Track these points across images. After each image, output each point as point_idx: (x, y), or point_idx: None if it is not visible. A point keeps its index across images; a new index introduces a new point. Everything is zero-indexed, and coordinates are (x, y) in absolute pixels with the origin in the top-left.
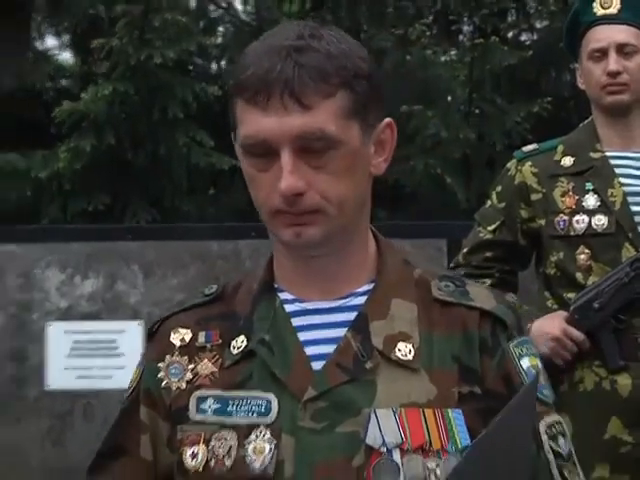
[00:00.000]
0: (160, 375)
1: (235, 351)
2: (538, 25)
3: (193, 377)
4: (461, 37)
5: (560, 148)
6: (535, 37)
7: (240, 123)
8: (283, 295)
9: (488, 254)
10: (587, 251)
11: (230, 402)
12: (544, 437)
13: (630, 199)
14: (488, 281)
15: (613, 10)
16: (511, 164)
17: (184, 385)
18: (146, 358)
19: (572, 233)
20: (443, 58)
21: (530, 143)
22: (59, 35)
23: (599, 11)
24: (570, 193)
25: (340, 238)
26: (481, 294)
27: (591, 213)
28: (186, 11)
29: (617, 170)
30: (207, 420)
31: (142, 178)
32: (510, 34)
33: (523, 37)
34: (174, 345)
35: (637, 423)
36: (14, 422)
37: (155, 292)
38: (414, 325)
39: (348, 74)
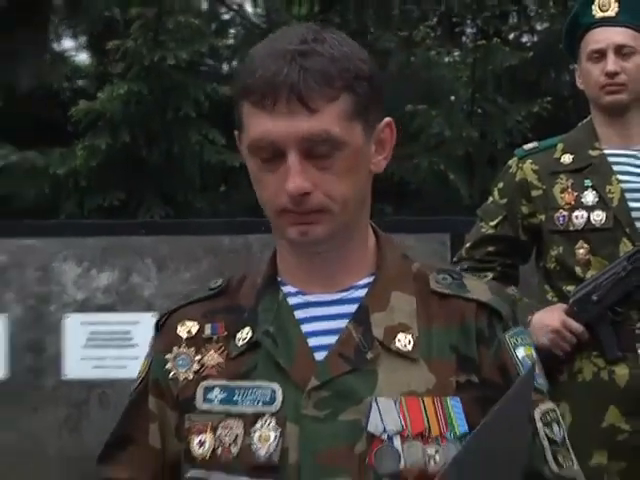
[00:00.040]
0: (168, 366)
1: (240, 342)
2: (538, 27)
3: (200, 368)
4: (464, 39)
5: (560, 146)
6: (535, 39)
7: (247, 125)
8: (286, 288)
9: (490, 248)
10: (586, 246)
11: (236, 392)
12: (539, 424)
13: (628, 195)
14: (490, 275)
15: (611, 13)
16: (512, 162)
17: (191, 376)
18: (154, 350)
19: (571, 228)
20: (446, 59)
21: (531, 141)
22: (76, 37)
23: (598, 14)
24: (569, 189)
25: (342, 234)
26: (477, 287)
27: (590, 209)
28: (198, 13)
29: (615, 167)
30: (214, 409)
31: (156, 175)
32: (511, 36)
33: (524, 39)
34: (181, 337)
35: (634, 412)
36: (32, 411)
37: (168, 285)
38: (413, 317)
39: (350, 77)
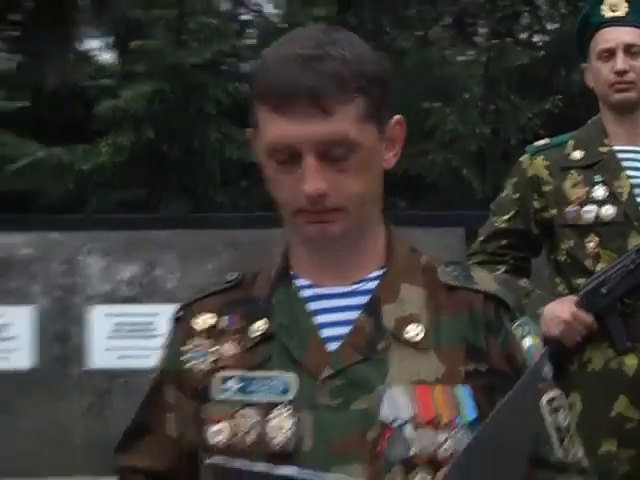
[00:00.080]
0: (185, 357)
1: (255, 334)
2: (549, 27)
3: (216, 359)
4: (477, 38)
5: (570, 143)
6: (547, 38)
7: (264, 128)
8: (299, 281)
9: (503, 242)
10: (596, 239)
11: (252, 382)
12: (545, 411)
13: (637, 190)
14: (503, 267)
15: (621, 13)
16: (524, 158)
17: (208, 366)
18: (171, 341)
19: (582, 222)
20: (460, 58)
21: (542, 138)
22: (100, 37)
23: (607, 14)
24: (580, 185)
25: (356, 230)
26: (484, 278)
27: (600, 204)
28: (219, 14)
29: (624, 163)
30: (230, 399)
31: (178, 171)
32: (523, 35)
33: (535, 38)
34: (198, 329)
35: None
36: (58, 399)
37: (190, 277)
38: (422, 308)
39: (364, 80)
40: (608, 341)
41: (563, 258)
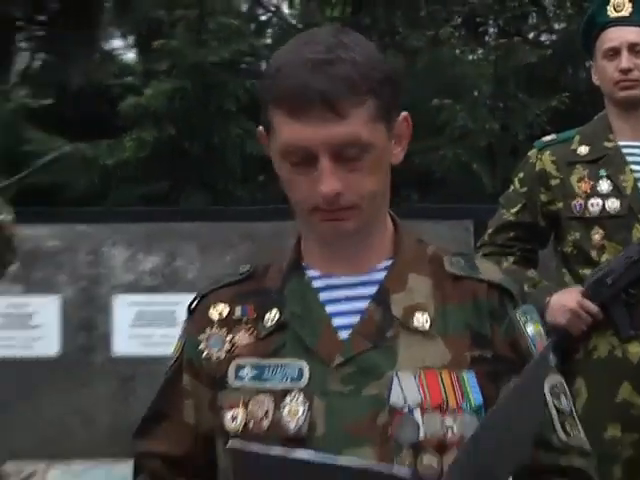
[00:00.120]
0: (201, 347)
1: (269, 323)
2: (557, 27)
3: (231, 347)
4: (487, 38)
5: (577, 138)
6: (554, 37)
7: (278, 131)
8: (310, 272)
9: (511, 234)
10: (601, 231)
11: (266, 369)
12: (548, 396)
13: None
14: (511, 258)
15: (625, 13)
16: (532, 153)
17: (223, 355)
18: (187, 331)
19: (587, 215)
20: (470, 57)
21: (549, 134)
22: (124, 37)
23: (612, 14)
24: (586, 179)
25: (366, 225)
26: (488, 268)
27: (605, 197)
28: (238, 14)
29: (628, 158)
30: (245, 386)
31: (198, 166)
32: (531, 35)
33: (543, 37)
34: (213, 319)
35: None
36: (84, 386)
37: (210, 268)
38: (429, 297)
39: (374, 82)
40: (613, 329)
41: (569, 249)
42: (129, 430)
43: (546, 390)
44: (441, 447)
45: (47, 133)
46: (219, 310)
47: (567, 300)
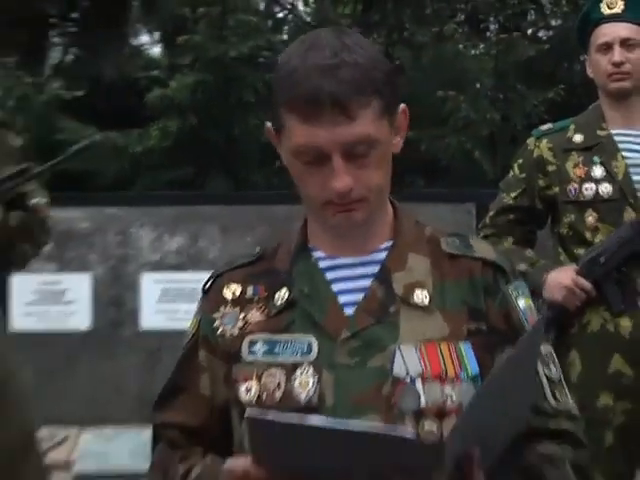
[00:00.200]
0: (216, 324)
1: (279, 302)
2: (553, 23)
3: (244, 325)
4: (488, 33)
5: (572, 127)
6: (551, 33)
7: (290, 132)
8: (317, 253)
9: (511, 217)
10: (594, 214)
11: (277, 344)
12: (539, 365)
13: (631, 170)
14: (511, 239)
15: (618, 10)
16: (530, 141)
17: (237, 332)
18: (202, 310)
19: (582, 199)
20: (473, 51)
21: (546, 123)
22: (151, 33)
23: (606, 11)
24: (580, 165)
25: (372, 213)
26: (483, 247)
27: (598, 182)
28: (256, 12)
29: (620, 145)
30: (258, 360)
31: (219, 153)
32: (530, 31)
33: (540, 33)
34: (227, 298)
35: (637, 359)
36: (113, 357)
37: (230, 248)
38: (428, 275)
39: (378, 82)
40: (605, 305)
41: (565, 231)
42: (155, 398)
43: (537, 360)
44: (441, 414)
45: (79, 123)
46: (232, 290)
47: (563, 278)
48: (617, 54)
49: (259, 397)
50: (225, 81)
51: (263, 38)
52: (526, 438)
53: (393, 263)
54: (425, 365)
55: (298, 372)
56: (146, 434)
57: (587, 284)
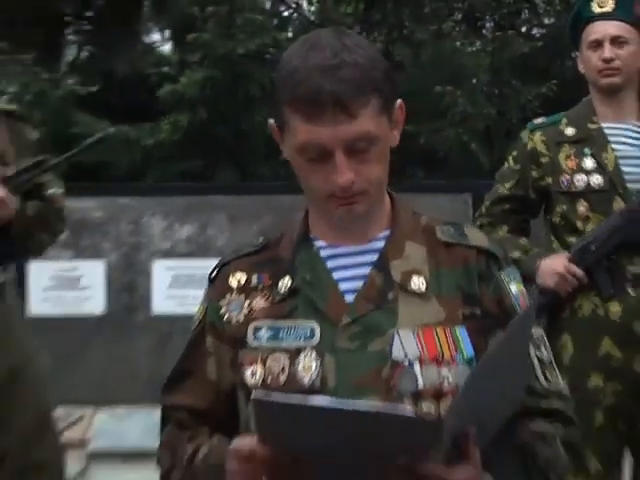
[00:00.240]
0: (222, 311)
1: (283, 289)
2: (546, 21)
3: (249, 311)
4: (484, 31)
5: (564, 120)
6: (544, 31)
7: (294, 131)
8: (318, 243)
9: (506, 206)
10: (585, 204)
11: (281, 330)
12: (531, 347)
13: (621, 162)
14: (505, 228)
15: (608, 9)
16: (524, 134)
17: (242, 318)
18: (209, 298)
19: (574, 189)
20: (470, 48)
21: (540, 117)
22: (161, 31)
23: (596, 9)
24: (572, 157)
25: (372, 205)
26: (477, 235)
27: (589, 173)
28: (262, 11)
29: (610, 138)
30: (263, 345)
31: (227, 146)
32: (524, 29)
33: (534, 31)
34: (232, 286)
35: (626, 342)
36: (127, 341)
37: (238, 236)
38: (424, 262)
39: (377, 81)
40: (595, 291)
41: (557, 220)
42: (165, 381)
43: (529, 343)
44: (438, 395)
45: (93, 117)
46: (238, 278)
47: (555, 265)
48: (607, 51)
49: (264, 380)
50: (233, 77)
51: (269, 36)
52: (519, 417)
53: (391, 251)
54: (422, 348)
55: (301, 356)
56: (157, 414)
57: (578, 271)
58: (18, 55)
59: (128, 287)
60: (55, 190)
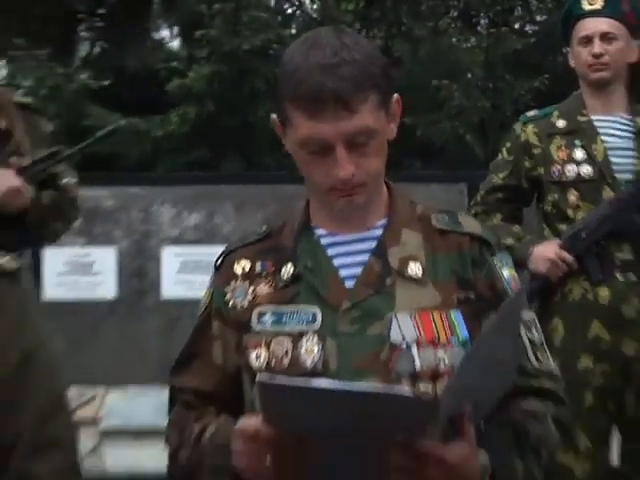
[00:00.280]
0: (227, 297)
1: (285, 276)
2: (539, 18)
3: (253, 297)
4: (479, 28)
5: (555, 113)
6: (536, 28)
7: (296, 126)
8: (319, 231)
9: (499, 195)
10: (576, 193)
11: (284, 315)
12: (522, 329)
13: (610, 152)
14: (499, 216)
15: (598, 6)
16: (517, 126)
17: (247, 304)
18: (215, 284)
19: (564, 179)
20: (465, 44)
21: (532, 110)
22: (171, 28)
23: (587, 7)
24: (563, 148)
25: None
26: (470, 222)
27: (579, 164)
28: (267, 8)
29: (599, 130)
30: (266, 329)
31: (233, 138)
32: (517, 25)
33: (527, 28)
34: (237, 273)
35: (614, 325)
36: (138, 324)
37: (244, 224)
38: (420, 249)
39: (375, 78)
40: (585, 276)
41: (549, 208)
42: (173, 363)
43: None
44: (435, 376)
45: (105, 110)
46: (242, 265)
47: (547, 251)
48: (597, 46)
49: (268, 363)
50: (239, 72)
51: (273, 32)
52: (511, 396)
53: (389, 239)
54: (419, 332)
55: (304, 340)
56: (166, 393)
57: (569, 257)
58: (34, 51)
59: (138, 272)
60: (69, 180)
